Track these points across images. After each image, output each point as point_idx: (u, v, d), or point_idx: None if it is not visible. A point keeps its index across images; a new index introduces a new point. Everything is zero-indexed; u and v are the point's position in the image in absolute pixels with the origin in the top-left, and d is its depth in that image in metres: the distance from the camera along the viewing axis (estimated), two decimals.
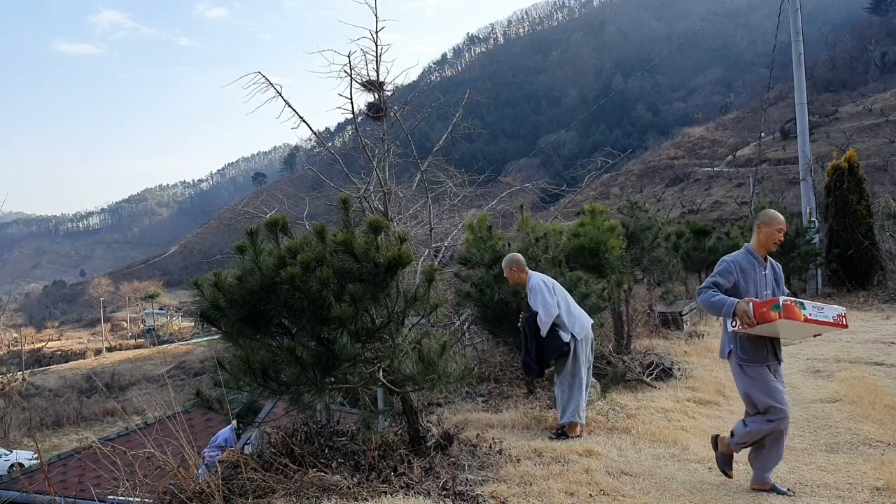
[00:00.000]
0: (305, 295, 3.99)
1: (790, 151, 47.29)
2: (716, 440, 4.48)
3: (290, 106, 9.79)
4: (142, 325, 79.34)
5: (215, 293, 4.22)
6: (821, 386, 7.39)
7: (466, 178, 12.47)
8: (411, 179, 11.86)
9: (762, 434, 4.09)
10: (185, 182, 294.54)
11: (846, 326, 4.02)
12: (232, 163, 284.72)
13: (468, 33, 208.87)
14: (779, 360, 4.18)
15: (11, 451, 23.75)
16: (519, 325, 5.97)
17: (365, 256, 4.17)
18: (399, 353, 4.46)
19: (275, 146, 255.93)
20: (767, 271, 4.23)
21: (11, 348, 64.17)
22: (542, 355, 5.72)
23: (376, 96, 10.80)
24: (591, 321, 5.96)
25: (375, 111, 10.99)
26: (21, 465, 20.33)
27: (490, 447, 5.03)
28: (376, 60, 10.37)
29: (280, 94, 9.65)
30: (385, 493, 3.94)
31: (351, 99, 10.26)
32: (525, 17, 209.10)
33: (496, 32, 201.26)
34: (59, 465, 11.45)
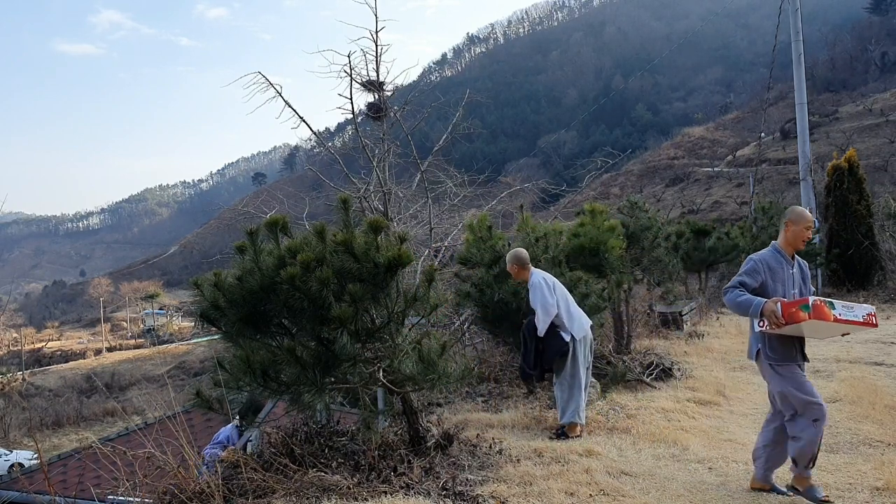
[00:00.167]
0: (305, 295, 3.99)
1: (790, 151, 47.31)
2: (794, 488, 4.13)
3: (290, 106, 9.79)
4: (142, 325, 79.34)
5: (215, 293, 4.22)
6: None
7: (466, 178, 12.47)
8: (411, 179, 11.86)
9: (818, 438, 3.91)
10: (185, 182, 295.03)
11: (876, 325, 3.92)
12: (232, 163, 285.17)
13: (468, 33, 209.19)
14: (806, 359, 4.09)
15: (11, 451, 23.75)
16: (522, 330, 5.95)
17: (365, 256, 4.17)
18: (399, 353, 4.46)
19: (275, 146, 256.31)
20: (795, 270, 4.13)
21: (11, 348, 64.17)
22: (541, 358, 5.71)
23: (376, 96, 10.80)
24: (591, 322, 5.96)
25: (375, 111, 10.98)
26: (21, 465, 20.34)
27: (490, 447, 5.02)
28: (376, 60, 10.37)
29: (280, 94, 9.65)
30: (385, 493, 3.94)
31: (351, 99, 10.26)
32: (525, 17, 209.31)
33: (496, 32, 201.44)
34: (59, 465, 11.45)
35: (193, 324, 45.31)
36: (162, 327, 74.11)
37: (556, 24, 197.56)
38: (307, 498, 3.87)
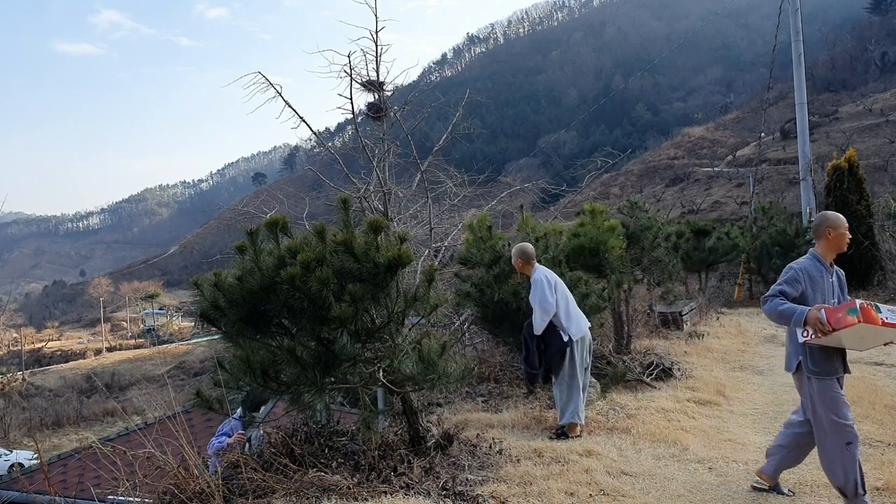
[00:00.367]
0: (305, 295, 3.99)
1: (790, 151, 47.31)
2: None
3: (290, 106, 9.79)
4: (142, 325, 79.34)
5: (215, 293, 4.22)
6: None
7: (466, 178, 12.46)
8: (411, 179, 11.86)
9: (855, 463, 3.77)
10: (185, 182, 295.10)
11: None
12: (232, 163, 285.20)
13: (468, 33, 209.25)
14: (847, 370, 3.94)
15: (11, 451, 23.75)
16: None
17: (365, 256, 4.17)
18: (399, 353, 4.46)
19: (275, 146, 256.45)
20: (833, 279, 3.99)
21: (11, 348, 64.17)
22: (544, 357, 5.71)
23: (376, 96, 10.79)
24: (589, 324, 5.95)
25: (375, 111, 10.98)
26: (21, 465, 20.34)
27: (490, 447, 5.02)
28: (376, 60, 10.37)
29: (280, 94, 9.65)
30: (385, 493, 3.94)
31: (351, 99, 10.26)
32: (525, 17, 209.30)
33: (496, 32, 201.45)
34: (59, 465, 11.44)
35: (193, 324, 45.34)
36: (162, 327, 74.11)
37: (556, 24, 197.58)
38: (307, 498, 3.87)
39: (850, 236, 4.07)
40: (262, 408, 5.62)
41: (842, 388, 3.88)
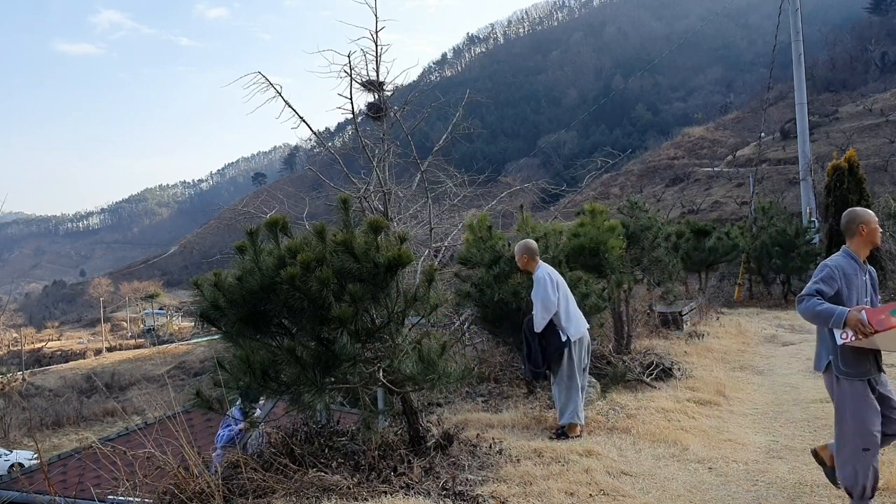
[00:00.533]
0: (305, 295, 3.99)
1: (790, 151, 47.31)
2: None
3: (290, 106, 9.80)
4: (142, 325, 79.34)
5: (215, 293, 4.22)
6: (821, 386, 7.34)
7: (466, 178, 12.46)
8: (411, 179, 11.86)
9: (869, 468, 3.68)
10: (185, 182, 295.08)
11: None
12: (232, 163, 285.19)
13: (468, 33, 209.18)
14: (881, 371, 3.82)
15: (11, 451, 23.74)
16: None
17: (365, 256, 4.17)
18: (399, 353, 4.46)
19: (275, 146, 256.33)
20: (866, 277, 3.87)
21: (11, 348, 64.18)
22: (545, 354, 5.71)
23: (376, 96, 10.80)
24: (588, 325, 5.95)
25: (375, 111, 10.99)
26: (21, 465, 20.33)
27: (490, 447, 5.02)
28: (376, 60, 10.38)
29: (280, 94, 9.66)
30: (385, 493, 3.94)
31: (351, 99, 10.27)
32: (525, 17, 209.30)
33: (496, 32, 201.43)
34: (59, 465, 11.45)
35: (193, 324, 45.33)
36: (162, 327, 74.12)
37: (556, 24, 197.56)
38: (307, 498, 3.87)
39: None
40: (262, 400, 5.62)
41: (878, 386, 3.75)
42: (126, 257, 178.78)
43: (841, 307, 3.56)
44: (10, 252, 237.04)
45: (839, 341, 3.63)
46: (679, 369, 8.00)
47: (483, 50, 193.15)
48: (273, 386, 4.21)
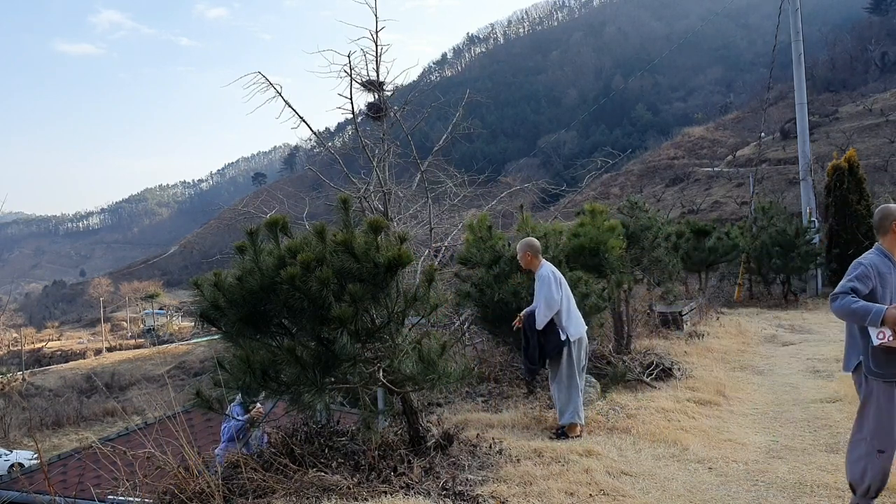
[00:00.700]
0: (305, 295, 3.99)
1: (790, 151, 47.30)
2: None
3: (290, 106, 9.80)
4: (142, 325, 79.37)
5: (215, 293, 4.22)
6: (821, 386, 7.39)
7: (466, 178, 12.47)
8: (411, 179, 11.86)
9: (881, 469, 3.60)
10: (185, 182, 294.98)
11: None
12: (232, 163, 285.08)
13: (468, 33, 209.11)
14: None
15: (11, 451, 23.76)
16: (514, 324, 5.94)
17: (365, 256, 4.17)
18: (399, 353, 4.46)
19: (275, 146, 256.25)
20: None
21: (11, 348, 64.20)
22: (542, 351, 5.72)
23: (376, 96, 10.80)
24: (586, 327, 5.95)
25: (375, 111, 10.99)
26: (21, 465, 20.34)
27: (490, 447, 5.03)
28: (376, 60, 10.38)
29: (280, 94, 9.66)
30: (385, 493, 3.94)
31: (351, 99, 10.27)
32: (525, 17, 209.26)
33: (496, 32, 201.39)
34: (59, 465, 11.45)
35: (193, 324, 45.31)
36: (162, 327, 74.13)
37: (556, 24, 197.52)
38: (307, 498, 3.87)
39: None
40: (262, 394, 5.63)
41: None
42: (126, 257, 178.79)
43: (879, 305, 3.46)
44: (10, 252, 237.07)
45: (875, 342, 3.51)
46: (679, 369, 8.00)
47: (483, 50, 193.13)
48: (273, 386, 4.21)
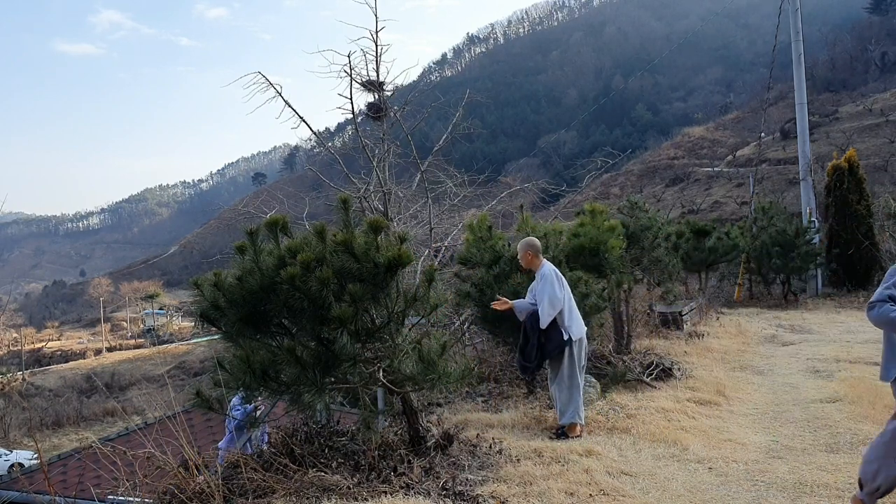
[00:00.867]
0: (305, 295, 3.99)
1: (790, 151, 47.31)
2: None
3: (290, 106, 9.81)
4: (142, 325, 79.38)
5: (215, 293, 4.22)
6: (821, 386, 7.39)
7: (466, 178, 12.47)
8: (411, 179, 11.86)
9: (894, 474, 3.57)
10: (185, 182, 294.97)
11: None
12: (232, 163, 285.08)
13: (468, 33, 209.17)
14: None
15: (11, 451, 23.76)
16: (494, 305, 5.87)
17: (365, 256, 4.17)
18: (399, 353, 4.46)
19: (275, 146, 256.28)
20: None
21: (11, 348, 64.20)
22: (541, 351, 5.71)
23: (376, 96, 10.81)
24: (586, 328, 5.96)
25: (375, 111, 10.99)
26: (21, 465, 20.35)
27: (490, 447, 5.02)
28: (376, 60, 10.39)
29: (280, 94, 9.66)
30: (385, 493, 3.94)
31: (351, 99, 10.28)
32: (525, 17, 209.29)
33: (496, 32, 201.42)
34: (59, 465, 11.46)
35: (193, 324, 45.36)
36: (162, 327, 74.15)
37: (556, 24, 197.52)
38: (307, 498, 3.87)
39: None
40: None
41: None
42: (126, 257, 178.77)
43: None
44: (10, 252, 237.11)
45: None
46: (679, 369, 8.00)
47: (483, 50, 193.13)
48: (273, 386, 4.21)
